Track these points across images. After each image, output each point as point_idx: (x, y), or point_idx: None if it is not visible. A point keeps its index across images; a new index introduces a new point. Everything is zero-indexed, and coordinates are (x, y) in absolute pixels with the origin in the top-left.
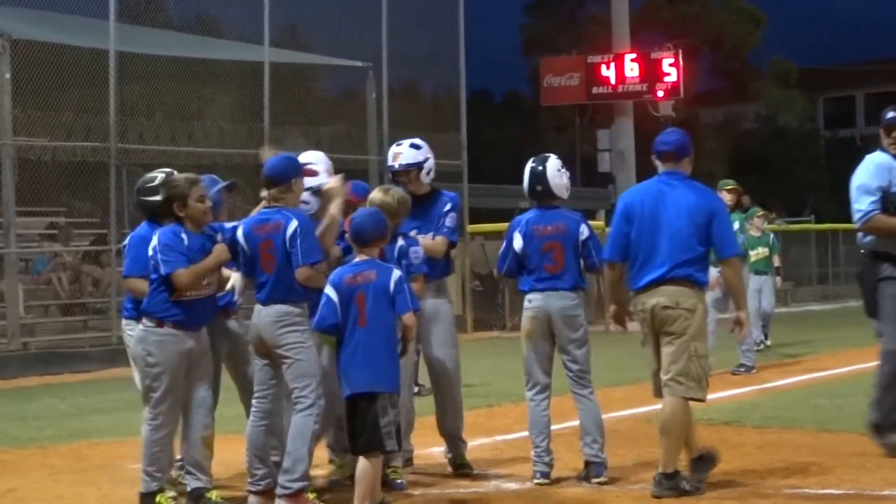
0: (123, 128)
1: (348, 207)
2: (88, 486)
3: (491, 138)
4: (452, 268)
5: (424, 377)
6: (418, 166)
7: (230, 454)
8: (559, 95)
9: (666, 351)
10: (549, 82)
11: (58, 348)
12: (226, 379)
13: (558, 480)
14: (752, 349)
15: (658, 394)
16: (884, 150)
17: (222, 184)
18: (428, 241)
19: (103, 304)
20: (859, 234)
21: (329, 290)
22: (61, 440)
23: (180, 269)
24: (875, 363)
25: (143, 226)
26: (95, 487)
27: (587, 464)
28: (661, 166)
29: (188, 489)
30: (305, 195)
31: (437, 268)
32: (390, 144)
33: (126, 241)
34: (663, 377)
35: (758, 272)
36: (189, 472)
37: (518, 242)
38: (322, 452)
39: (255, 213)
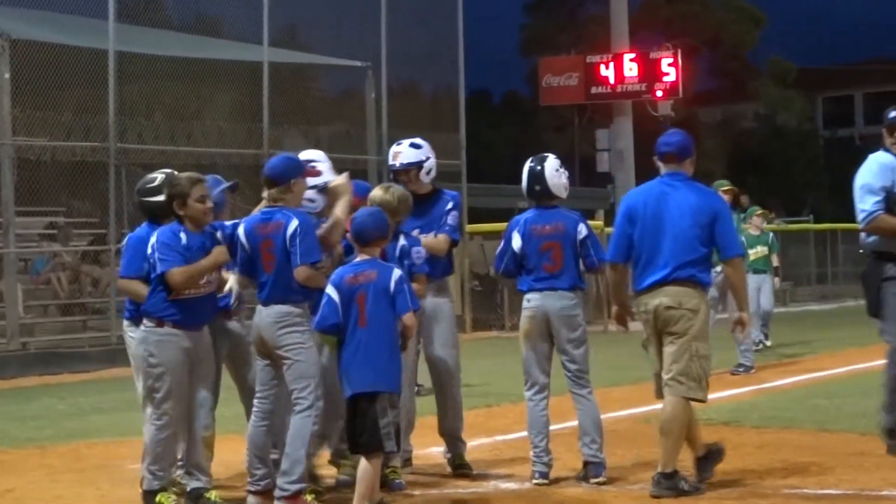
0: (123, 128)
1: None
2: (87, 486)
3: (490, 138)
4: (454, 267)
5: (424, 377)
6: (418, 165)
7: (230, 454)
8: (558, 95)
9: (667, 350)
10: (547, 82)
11: (57, 348)
12: (225, 379)
13: (557, 480)
14: (750, 349)
15: (660, 395)
16: (887, 149)
17: (226, 184)
18: (430, 240)
19: (102, 304)
20: (862, 235)
21: (330, 290)
22: (60, 440)
23: (174, 268)
24: (873, 363)
25: (143, 227)
26: (94, 487)
27: (586, 464)
28: (663, 167)
29: (188, 489)
30: (311, 193)
31: (438, 267)
32: (389, 144)
33: (124, 242)
34: (664, 376)
35: (756, 271)
36: (188, 473)
37: (517, 242)
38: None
39: (255, 212)
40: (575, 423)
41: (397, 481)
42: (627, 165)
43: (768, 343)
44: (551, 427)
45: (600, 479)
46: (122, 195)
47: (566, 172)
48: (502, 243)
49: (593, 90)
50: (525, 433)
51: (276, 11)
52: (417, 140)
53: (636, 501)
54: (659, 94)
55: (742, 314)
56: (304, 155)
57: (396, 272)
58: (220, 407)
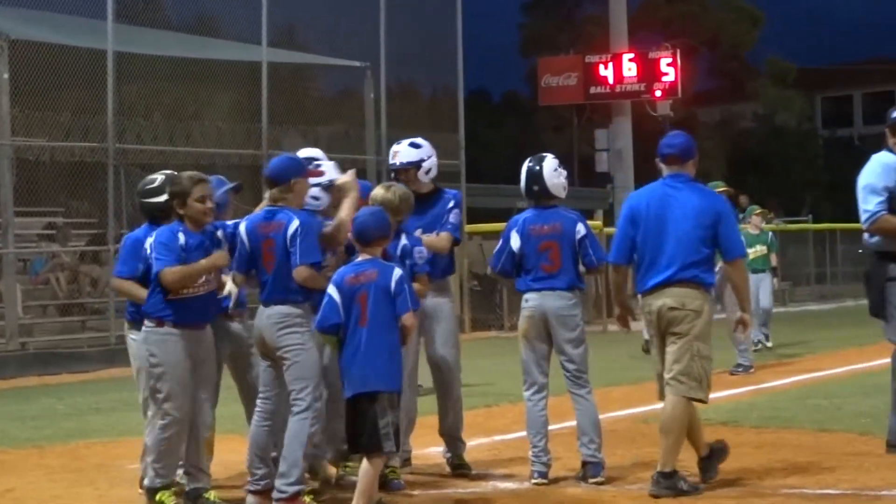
0: (121, 128)
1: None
2: (85, 486)
3: (489, 138)
4: (454, 267)
5: (423, 377)
6: (416, 165)
7: (229, 454)
8: (557, 95)
9: (669, 350)
10: (546, 82)
11: (56, 348)
12: (225, 379)
13: (556, 480)
14: (749, 349)
15: (663, 396)
16: (890, 149)
17: (229, 185)
18: (432, 238)
19: (101, 305)
20: (865, 235)
21: (331, 290)
22: (59, 440)
23: (167, 268)
24: (872, 363)
25: (142, 228)
26: (92, 487)
27: (584, 464)
28: (665, 169)
29: (186, 489)
30: (316, 191)
31: (439, 267)
32: (388, 144)
33: (122, 242)
34: (666, 376)
35: (755, 271)
36: (188, 473)
37: (515, 242)
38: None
39: (257, 211)
40: (574, 423)
41: (396, 481)
42: (626, 165)
43: (769, 344)
44: (550, 427)
45: (598, 479)
46: (121, 195)
47: (565, 172)
48: (500, 242)
49: (592, 90)
50: (524, 433)
51: (274, 12)
52: (418, 140)
53: (635, 501)
54: (658, 94)
55: (744, 314)
56: (303, 153)
57: (397, 272)
58: (219, 407)
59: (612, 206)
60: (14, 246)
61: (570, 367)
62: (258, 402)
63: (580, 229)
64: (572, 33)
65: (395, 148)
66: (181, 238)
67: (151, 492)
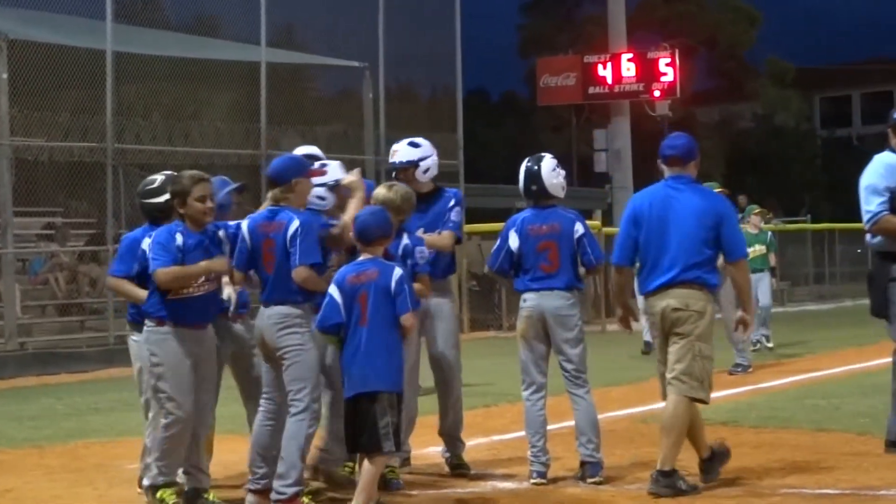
0: (120, 128)
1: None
2: (85, 486)
3: (487, 138)
4: (455, 266)
5: (423, 377)
6: (414, 164)
7: (228, 454)
8: (556, 95)
9: (672, 350)
10: (545, 82)
11: (55, 348)
12: (225, 379)
13: (555, 480)
14: (747, 349)
15: (666, 396)
16: (892, 149)
17: (232, 185)
18: (434, 237)
19: (100, 305)
20: (868, 236)
21: (333, 290)
22: (58, 440)
23: (161, 268)
24: (871, 363)
25: (142, 228)
26: (92, 487)
27: (583, 464)
28: (667, 171)
29: (186, 489)
30: (321, 191)
31: (440, 267)
32: (387, 144)
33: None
34: (668, 376)
35: (753, 270)
36: (187, 472)
37: (514, 241)
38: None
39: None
40: (573, 422)
41: (395, 481)
42: (625, 165)
43: (770, 345)
44: (549, 427)
45: (596, 479)
46: (120, 195)
47: (563, 172)
48: (498, 241)
49: (591, 90)
50: (523, 433)
51: (273, 12)
52: (418, 139)
53: (633, 501)
54: (656, 94)
55: (744, 314)
56: (300, 150)
57: (398, 271)
58: (219, 407)
59: (610, 206)
60: (13, 246)
61: (569, 366)
62: (262, 401)
63: (578, 228)
64: (571, 33)
65: (394, 147)
66: (179, 239)
67: (153, 489)
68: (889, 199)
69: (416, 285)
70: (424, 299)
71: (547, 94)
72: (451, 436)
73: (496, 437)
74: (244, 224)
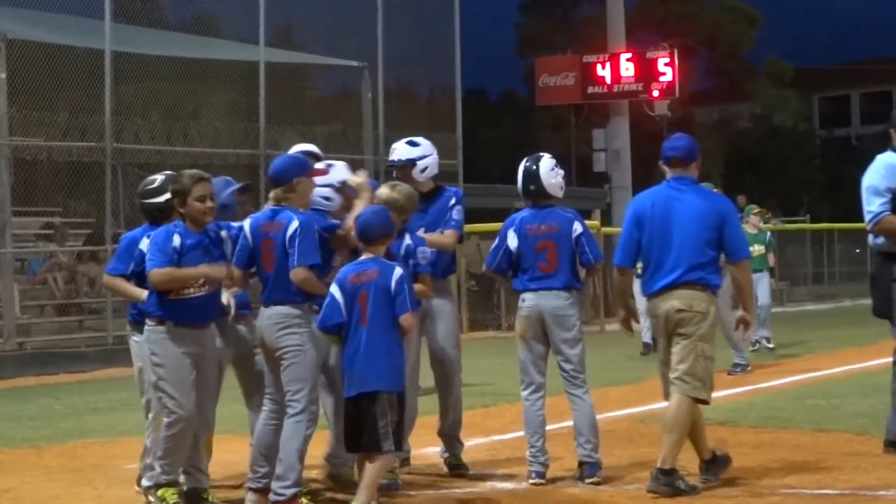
0: (119, 128)
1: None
2: (83, 486)
3: (486, 138)
4: (455, 266)
5: (423, 377)
6: (411, 162)
7: (227, 454)
8: (555, 95)
9: (674, 350)
10: (544, 82)
11: (53, 348)
12: (226, 379)
13: (554, 480)
14: (746, 349)
15: (668, 397)
16: (894, 149)
17: (235, 186)
18: (437, 237)
19: (99, 304)
20: (870, 236)
21: (334, 289)
22: (57, 440)
23: (155, 269)
24: (870, 363)
25: (141, 228)
26: (91, 487)
27: (581, 464)
28: (669, 172)
29: (185, 489)
30: (327, 191)
31: (440, 267)
32: (386, 144)
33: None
34: (671, 376)
35: (752, 270)
36: (186, 472)
37: (512, 241)
38: (316, 451)
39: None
40: (571, 422)
41: (394, 481)
42: (624, 165)
43: (771, 346)
44: (548, 427)
45: (595, 480)
46: (119, 195)
47: (562, 172)
48: (496, 241)
49: (590, 90)
50: (521, 433)
51: (272, 11)
52: (417, 138)
53: (632, 501)
54: (655, 93)
55: (745, 314)
56: (297, 148)
57: (398, 271)
58: (218, 407)
59: (609, 205)
60: (12, 246)
61: (567, 367)
62: (265, 401)
63: (577, 228)
64: (570, 33)
65: (394, 146)
66: (176, 240)
67: (155, 488)
68: (891, 199)
69: (418, 286)
70: (426, 300)
71: (546, 93)
72: (450, 436)
73: (495, 437)
74: (246, 223)
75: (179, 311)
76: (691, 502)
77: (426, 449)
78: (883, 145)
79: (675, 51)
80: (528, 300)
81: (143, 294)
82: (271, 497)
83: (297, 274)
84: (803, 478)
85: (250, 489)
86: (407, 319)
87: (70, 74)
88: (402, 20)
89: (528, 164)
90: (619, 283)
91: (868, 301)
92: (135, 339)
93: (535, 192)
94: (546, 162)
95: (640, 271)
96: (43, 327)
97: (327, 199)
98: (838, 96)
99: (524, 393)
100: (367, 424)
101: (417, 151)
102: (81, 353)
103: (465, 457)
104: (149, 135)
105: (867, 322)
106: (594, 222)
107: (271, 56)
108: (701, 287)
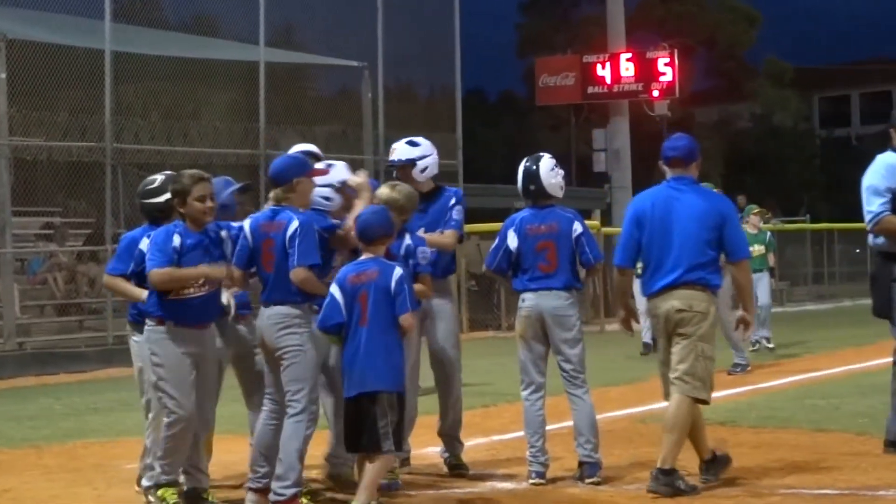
0: (119, 127)
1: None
2: (83, 486)
3: (486, 138)
4: (455, 266)
5: (423, 377)
6: (411, 162)
7: (227, 454)
8: (554, 95)
9: (674, 350)
10: (544, 82)
11: (53, 348)
12: (226, 379)
13: (554, 480)
14: (746, 349)
15: (668, 397)
16: (894, 149)
17: (235, 186)
18: (437, 237)
19: (99, 304)
20: (870, 236)
21: (334, 289)
22: (56, 440)
23: (154, 269)
24: (870, 363)
25: (141, 228)
26: (90, 487)
27: (581, 464)
28: (669, 172)
29: (185, 489)
30: (328, 191)
31: (440, 267)
32: (386, 144)
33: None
34: (671, 376)
35: (752, 270)
36: (186, 472)
37: (512, 241)
38: (316, 451)
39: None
40: (571, 422)
41: (394, 481)
42: (624, 165)
43: (771, 346)
44: (548, 427)
45: (594, 480)
46: (119, 195)
47: (561, 172)
48: (496, 240)
49: (590, 90)
50: (521, 433)
51: (272, 11)
52: (417, 139)
53: (632, 501)
54: (655, 93)
55: (745, 314)
56: (297, 148)
57: (398, 271)
58: (218, 407)
59: (609, 205)
60: (12, 246)
61: (567, 367)
62: (265, 401)
63: (577, 228)
64: (569, 33)
65: (394, 146)
66: (176, 240)
67: (155, 487)
68: (891, 199)
69: (418, 286)
70: (425, 300)
71: (545, 93)
72: (450, 436)
73: (495, 437)
74: (246, 223)
75: (179, 311)
76: (691, 502)
77: (426, 449)
78: (883, 145)
79: (675, 51)
80: (528, 300)
81: (143, 294)
82: (271, 497)
83: (297, 274)
84: (803, 478)
85: (250, 489)
86: (407, 319)
87: (70, 74)
88: (402, 20)
89: (528, 164)
90: (619, 283)
91: (868, 301)
92: (135, 339)
93: (535, 192)
94: (546, 162)
95: (640, 271)
96: (43, 327)
97: (327, 199)
98: (838, 96)
99: (524, 393)
100: (367, 424)
101: (417, 151)
102: (81, 353)
103: (465, 457)
104: (149, 135)
105: (867, 322)
106: (594, 222)
107: (271, 56)
108: (701, 287)
